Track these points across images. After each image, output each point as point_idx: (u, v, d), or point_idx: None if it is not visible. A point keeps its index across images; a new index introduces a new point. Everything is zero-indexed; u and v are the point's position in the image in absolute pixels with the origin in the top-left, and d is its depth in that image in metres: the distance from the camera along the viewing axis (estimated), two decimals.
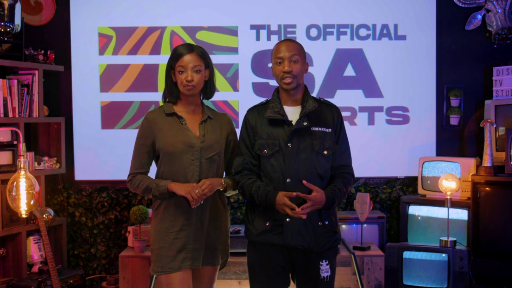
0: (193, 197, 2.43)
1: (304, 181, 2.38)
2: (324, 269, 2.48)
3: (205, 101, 2.70)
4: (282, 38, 4.14)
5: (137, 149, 2.60)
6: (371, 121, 4.22)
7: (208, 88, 2.63)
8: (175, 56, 2.53)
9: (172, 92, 2.59)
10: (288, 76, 2.45)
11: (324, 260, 2.49)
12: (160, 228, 2.55)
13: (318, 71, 4.20)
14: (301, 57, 2.50)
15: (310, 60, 4.18)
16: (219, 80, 4.12)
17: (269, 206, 2.41)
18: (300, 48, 2.52)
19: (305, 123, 2.46)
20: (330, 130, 2.51)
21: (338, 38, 4.21)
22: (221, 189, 2.59)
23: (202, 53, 2.56)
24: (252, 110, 2.60)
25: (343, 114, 2.77)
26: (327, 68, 4.21)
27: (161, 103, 2.70)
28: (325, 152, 2.48)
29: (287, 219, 2.43)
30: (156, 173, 2.61)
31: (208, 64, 2.59)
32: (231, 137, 2.67)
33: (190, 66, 2.50)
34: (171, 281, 2.50)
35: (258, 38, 4.21)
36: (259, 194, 2.42)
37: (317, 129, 2.48)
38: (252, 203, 2.53)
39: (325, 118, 2.52)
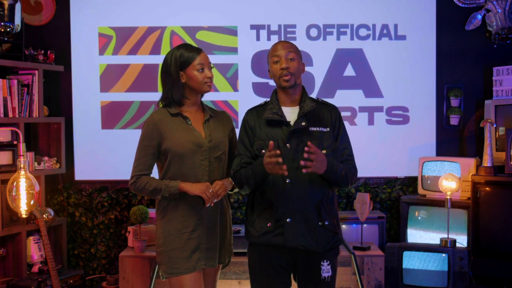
0: (208, 196, 2.43)
1: (308, 142, 2.31)
2: (325, 269, 2.48)
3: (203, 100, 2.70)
4: (282, 38, 4.14)
5: (141, 150, 2.53)
6: (371, 121, 4.22)
7: None
8: (190, 56, 2.50)
9: (181, 94, 2.54)
10: (286, 73, 2.47)
11: (325, 261, 2.49)
12: (170, 229, 2.51)
13: (318, 71, 4.20)
14: (297, 55, 2.52)
15: (310, 60, 4.18)
16: (219, 80, 4.12)
17: (262, 173, 2.38)
18: (295, 47, 2.55)
19: (303, 123, 2.46)
20: (328, 129, 2.51)
21: (338, 38, 4.21)
22: (229, 189, 2.57)
23: None
24: (251, 111, 2.61)
25: (343, 114, 2.76)
26: (327, 68, 4.21)
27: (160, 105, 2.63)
28: (324, 152, 2.47)
29: (288, 219, 2.43)
30: (162, 174, 2.55)
31: None
32: (232, 134, 2.67)
33: (208, 63, 2.55)
34: (184, 282, 2.47)
35: (258, 38, 4.21)
36: (252, 170, 2.42)
37: (315, 129, 2.49)
38: (252, 203, 2.53)
39: (323, 117, 2.53)
